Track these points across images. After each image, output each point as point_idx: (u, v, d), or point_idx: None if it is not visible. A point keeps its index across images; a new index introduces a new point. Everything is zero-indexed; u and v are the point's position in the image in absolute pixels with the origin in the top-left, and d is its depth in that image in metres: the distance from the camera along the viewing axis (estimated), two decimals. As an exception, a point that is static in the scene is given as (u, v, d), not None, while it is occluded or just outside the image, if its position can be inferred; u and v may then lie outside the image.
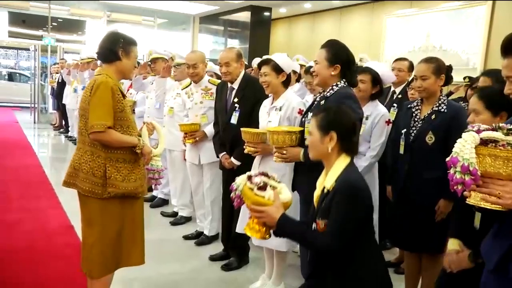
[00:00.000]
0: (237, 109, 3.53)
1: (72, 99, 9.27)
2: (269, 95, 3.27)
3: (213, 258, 3.86)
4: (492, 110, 2.18)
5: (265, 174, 2.10)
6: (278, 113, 3.12)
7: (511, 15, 7.96)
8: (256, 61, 6.42)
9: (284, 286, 3.30)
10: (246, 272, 3.68)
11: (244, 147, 3.16)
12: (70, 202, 5.07)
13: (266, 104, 3.26)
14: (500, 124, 1.49)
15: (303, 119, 2.85)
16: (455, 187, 1.49)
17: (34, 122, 12.70)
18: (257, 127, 3.25)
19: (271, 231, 2.05)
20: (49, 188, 5.86)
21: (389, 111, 3.85)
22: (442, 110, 2.85)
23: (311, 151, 2.12)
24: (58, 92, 10.51)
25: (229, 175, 3.71)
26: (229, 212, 3.69)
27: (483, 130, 1.48)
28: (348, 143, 2.05)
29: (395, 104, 3.97)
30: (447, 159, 1.52)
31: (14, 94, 16.23)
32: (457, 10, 8.82)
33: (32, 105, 13.18)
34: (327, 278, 2.05)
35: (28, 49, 14.74)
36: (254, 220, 2.04)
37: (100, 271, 2.60)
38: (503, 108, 2.16)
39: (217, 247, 4.04)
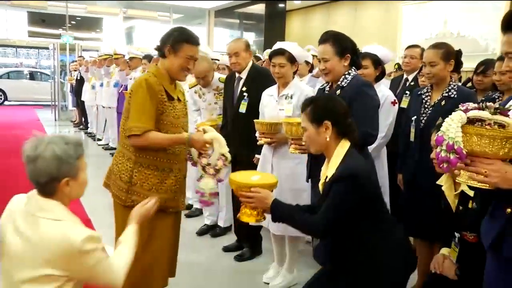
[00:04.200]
0: (245, 98, 3.54)
1: (90, 96, 9.40)
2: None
3: (227, 249, 3.89)
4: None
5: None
6: (290, 101, 3.12)
7: (531, -2, 7.76)
8: (268, 52, 6.41)
9: (296, 273, 3.32)
10: (259, 262, 3.70)
11: (258, 138, 3.16)
12: (89, 197, 5.15)
13: (272, 93, 3.25)
14: (487, 104, 1.48)
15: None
16: (440, 165, 1.50)
17: (55, 120, 12.92)
18: (262, 115, 3.26)
19: (265, 214, 2.16)
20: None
21: (401, 98, 3.83)
22: (452, 95, 2.81)
23: (311, 146, 2.14)
24: (77, 89, 10.66)
25: (236, 169, 3.74)
26: (240, 204, 3.70)
27: (471, 109, 1.47)
28: (344, 127, 2.08)
29: (407, 92, 3.93)
30: (434, 138, 1.52)
31: (36, 92, 16.55)
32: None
33: (53, 103, 13.40)
34: (340, 264, 2.08)
35: (48, 48, 14.97)
36: (246, 205, 2.13)
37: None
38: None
39: (231, 238, 4.07)
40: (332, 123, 2.05)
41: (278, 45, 3.27)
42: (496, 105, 1.48)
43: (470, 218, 2.09)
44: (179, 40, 2.39)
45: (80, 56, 11.52)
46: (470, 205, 2.14)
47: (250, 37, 14.45)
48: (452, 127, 1.46)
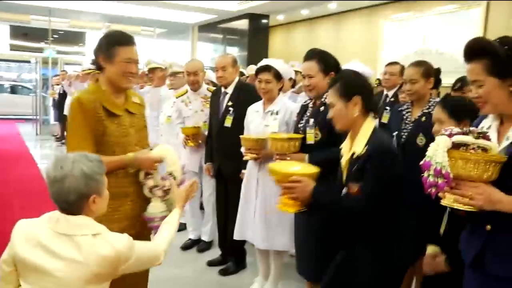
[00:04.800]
0: (231, 112, 3.59)
1: (73, 110, 9.33)
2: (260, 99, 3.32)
3: (211, 263, 3.90)
4: (455, 118, 2.23)
5: None
6: (276, 117, 3.16)
7: (505, 16, 8.01)
8: (251, 68, 6.49)
9: (281, 287, 3.34)
10: (244, 276, 3.72)
11: (244, 153, 3.19)
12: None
13: (258, 109, 3.30)
14: (471, 128, 1.55)
15: (299, 124, 2.88)
16: (428, 190, 1.55)
17: (37, 134, 12.78)
18: (247, 131, 3.30)
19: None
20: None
21: (382, 114, 3.91)
22: (432, 111, 2.88)
23: (338, 122, 2.13)
24: (60, 103, 10.59)
25: (220, 183, 3.78)
26: (225, 218, 3.74)
27: (455, 134, 1.53)
28: (372, 104, 2.13)
29: (387, 107, 4.01)
30: (421, 162, 1.57)
31: (17, 106, 16.32)
32: (452, 13, 8.87)
33: (34, 117, 13.26)
34: (356, 248, 2.11)
35: (30, 62, 14.86)
36: (286, 196, 2.09)
37: None
38: (466, 116, 2.20)
39: (215, 253, 4.07)
40: (361, 99, 2.07)
41: (264, 61, 3.33)
42: (479, 129, 1.56)
43: None
44: (110, 46, 2.19)
45: (63, 70, 11.45)
46: None
47: (234, 52, 14.53)
48: (438, 152, 1.52)
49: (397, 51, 9.76)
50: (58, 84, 10.94)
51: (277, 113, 3.18)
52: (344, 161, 2.17)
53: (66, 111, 9.97)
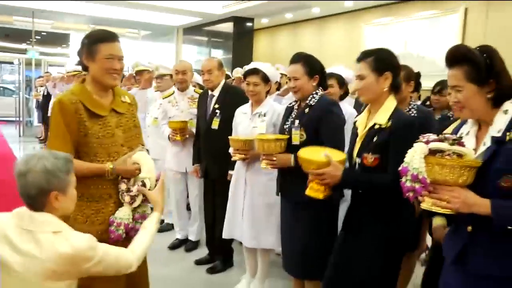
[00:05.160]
0: (218, 114, 3.66)
1: (57, 112, 9.27)
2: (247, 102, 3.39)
3: (199, 262, 3.96)
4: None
5: None
6: (264, 119, 3.24)
7: (482, 22, 8.23)
8: (237, 70, 6.56)
9: (267, 284, 3.43)
10: (231, 274, 3.79)
11: (232, 154, 3.25)
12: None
13: (245, 111, 3.37)
14: (446, 135, 1.64)
15: (285, 126, 2.95)
16: (407, 194, 1.64)
17: (20, 136, 12.65)
18: (236, 132, 3.37)
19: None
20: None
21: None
22: (413, 114, 2.99)
23: (365, 94, 2.22)
24: (44, 105, 10.51)
25: (208, 184, 3.84)
26: (212, 218, 3.81)
27: (432, 141, 1.63)
28: (398, 82, 2.22)
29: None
30: (399, 168, 1.67)
31: (-1, 108, 16.14)
32: (432, 18, 9.07)
33: (17, 119, 13.13)
34: (364, 223, 2.21)
35: (12, 63, 14.70)
36: (315, 182, 2.20)
37: None
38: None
39: (202, 252, 4.14)
40: (392, 76, 2.17)
41: (252, 65, 3.41)
42: (454, 136, 1.65)
43: None
44: (91, 44, 2.16)
45: (46, 72, 11.38)
46: None
47: (218, 54, 14.57)
48: (415, 158, 1.61)
49: (379, 55, 9.94)
50: (42, 86, 10.85)
51: (264, 115, 3.25)
52: (361, 131, 2.25)
53: (49, 113, 9.91)
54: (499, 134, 1.62)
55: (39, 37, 16.24)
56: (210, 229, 3.92)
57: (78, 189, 2.04)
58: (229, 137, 3.26)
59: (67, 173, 1.66)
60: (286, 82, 3.69)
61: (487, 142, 1.65)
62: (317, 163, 2.17)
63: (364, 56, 2.20)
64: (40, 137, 11.91)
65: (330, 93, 3.40)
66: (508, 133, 1.60)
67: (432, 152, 1.61)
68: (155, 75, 4.97)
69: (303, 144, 2.75)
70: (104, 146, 2.17)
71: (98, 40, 2.16)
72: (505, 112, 1.65)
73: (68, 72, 8.73)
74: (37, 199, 1.61)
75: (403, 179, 1.65)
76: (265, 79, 3.28)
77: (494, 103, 1.66)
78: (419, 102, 3.90)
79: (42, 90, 10.78)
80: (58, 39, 17.85)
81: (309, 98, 2.80)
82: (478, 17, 8.34)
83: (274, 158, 2.81)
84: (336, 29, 11.71)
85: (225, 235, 3.41)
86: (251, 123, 3.30)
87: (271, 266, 3.53)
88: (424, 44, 9.19)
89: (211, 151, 3.73)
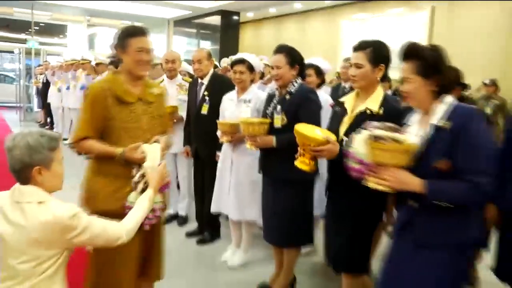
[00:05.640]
0: (207, 101, 3.72)
1: (56, 98, 9.23)
2: (233, 89, 3.47)
3: (189, 234, 4.06)
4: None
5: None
6: (249, 105, 3.31)
7: (448, 19, 8.37)
8: (224, 60, 6.61)
9: (251, 253, 3.56)
10: (218, 245, 3.89)
11: (220, 137, 3.32)
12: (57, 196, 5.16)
13: (232, 97, 3.44)
14: (386, 124, 1.78)
15: (267, 111, 3.04)
16: (351, 174, 1.78)
17: (20, 120, 12.51)
18: (223, 117, 3.45)
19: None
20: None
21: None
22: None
23: (359, 82, 2.25)
24: (43, 91, 10.42)
25: (198, 164, 3.93)
26: (201, 194, 3.90)
27: (374, 128, 1.75)
28: (387, 73, 2.28)
29: (345, 97, 4.23)
30: (345, 149, 1.81)
31: (0, 94, 15.89)
32: (402, 15, 9.19)
33: (18, 105, 12.99)
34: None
35: (12, 52, 14.47)
36: (307, 156, 2.23)
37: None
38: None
39: (190, 226, 4.27)
40: (385, 68, 2.23)
41: (239, 55, 3.49)
42: (392, 125, 1.78)
43: None
44: (123, 38, 2.23)
45: (45, 61, 11.25)
46: None
47: (206, 45, 14.53)
48: (358, 142, 1.75)
49: (355, 47, 10.05)
50: (41, 74, 10.75)
51: (249, 101, 3.32)
52: (349, 114, 2.30)
53: (49, 99, 9.86)
54: (437, 123, 1.75)
55: (37, 28, 15.99)
56: (199, 205, 4.02)
57: (103, 166, 2.20)
58: (217, 121, 3.33)
59: (50, 150, 1.64)
60: (269, 72, 3.77)
61: (428, 129, 1.78)
62: (316, 141, 2.16)
63: (362, 46, 2.22)
64: (40, 122, 11.82)
65: (308, 82, 3.49)
66: (444, 122, 1.73)
67: (375, 138, 1.73)
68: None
69: (284, 127, 2.85)
70: (127, 130, 2.21)
71: (129, 35, 2.22)
72: (444, 103, 1.78)
73: (66, 61, 8.68)
74: (21, 173, 1.61)
75: (349, 161, 1.78)
76: (251, 68, 3.35)
77: (437, 95, 1.79)
78: (389, 92, 4.01)
79: (42, 78, 10.69)
80: (56, 29, 17.60)
81: (289, 86, 2.89)
82: (443, 15, 8.49)
83: (258, 140, 2.90)
84: (317, 23, 11.78)
85: (213, 209, 3.51)
86: (237, 109, 3.38)
87: (254, 238, 3.65)
88: (396, 39, 9.30)
89: (201, 134, 3.80)
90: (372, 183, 1.77)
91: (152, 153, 2.13)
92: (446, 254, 1.77)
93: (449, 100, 1.80)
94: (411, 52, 1.83)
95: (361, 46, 2.27)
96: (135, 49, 2.20)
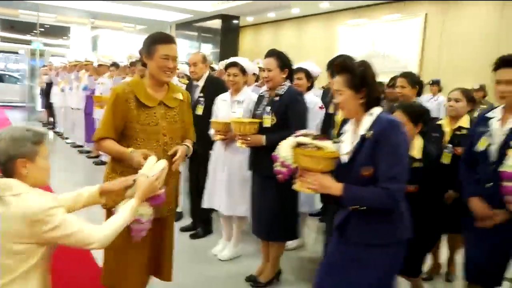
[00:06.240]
0: (202, 102, 3.86)
1: (59, 98, 9.35)
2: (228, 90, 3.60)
3: (183, 229, 4.19)
4: (414, 121, 2.53)
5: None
6: (241, 106, 3.44)
7: (440, 26, 8.51)
8: (222, 63, 6.76)
9: (240, 247, 3.69)
10: (210, 239, 4.03)
11: (213, 135, 3.44)
12: (59, 187, 5.31)
13: (225, 98, 3.56)
14: (309, 132, 1.91)
15: (257, 111, 3.18)
16: (277, 176, 1.90)
17: (24, 120, 12.65)
18: (216, 117, 3.58)
19: None
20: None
21: (328, 105, 4.26)
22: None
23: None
24: (47, 92, 10.56)
25: (193, 163, 4.06)
26: (196, 191, 4.03)
27: (299, 136, 1.89)
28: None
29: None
30: (273, 153, 1.92)
31: (5, 94, 16.04)
32: (397, 21, 9.32)
33: (22, 105, 13.13)
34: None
35: (17, 53, 14.64)
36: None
37: (104, 279, 2.38)
38: (421, 120, 2.55)
39: (184, 221, 4.42)
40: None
41: (232, 59, 3.63)
42: (315, 132, 1.91)
43: (414, 175, 2.38)
44: (150, 44, 2.25)
45: (50, 62, 11.41)
46: (416, 165, 2.49)
47: (207, 48, 14.69)
48: (284, 148, 1.87)
49: (351, 52, 10.08)
50: (45, 74, 10.89)
51: (242, 102, 3.46)
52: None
53: (52, 99, 10.00)
54: (363, 133, 1.86)
55: (42, 29, 16.17)
56: (194, 202, 4.14)
57: (120, 165, 2.22)
58: (211, 120, 3.46)
59: (35, 143, 1.66)
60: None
61: (356, 138, 1.90)
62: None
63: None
64: (43, 121, 11.96)
65: (299, 85, 3.62)
66: (368, 132, 1.84)
67: (299, 145, 1.86)
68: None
69: (273, 126, 2.99)
70: (146, 132, 2.24)
71: (156, 41, 2.24)
72: (371, 115, 1.89)
73: (70, 62, 8.82)
74: (6, 166, 1.63)
75: (275, 165, 1.90)
76: (243, 70, 3.49)
77: (365, 107, 1.90)
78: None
79: (46, 78, 10.83)
80: (60, 31, 17.76)
81: (279, 88, 3.03)
82: (436, 22, 8.63)
83: (249, 138, 3.02)
84: (314, 28, 11.92)
85: (205, 204, 3.64)
86: (230, 109, 3.50)
87: (244, 233, 3.78)
88: (389, 44, 9.46)
89: (196, 134, 3.92)
90: (298, 186, 1.90)
91: (151, 165, 2.02)
92: (376, 252, 1.89)
93: (376, 111, 1.89)
94: (342, 67, 1.92)
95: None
96: (160, 55, 2.22)
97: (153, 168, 1.98)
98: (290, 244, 3.75)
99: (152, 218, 1.98)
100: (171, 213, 2.49)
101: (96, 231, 1.68)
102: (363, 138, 1.87)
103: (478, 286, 2.47)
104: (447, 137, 3.08)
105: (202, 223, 4.12)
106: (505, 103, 2.32)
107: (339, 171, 1.93)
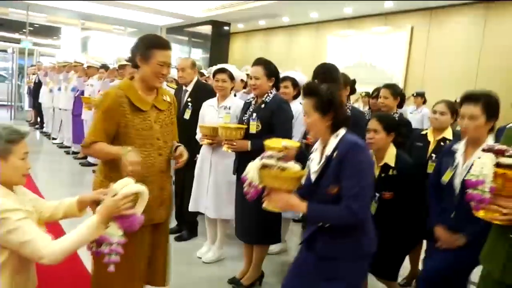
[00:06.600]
0: (189, 106, 3.92)
1: (48, 98, 9.32)
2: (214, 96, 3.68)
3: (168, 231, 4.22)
4: (387, 130, 2.65)
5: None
6: (229, 112, 3.52)
7: (426, 39, 8.72)
8: (212, 69, 6.83)
9: (224, 250, 3.76)
10: (195, 242, 4.07)
11: (201, 139, 3.50)
12: (45, 187, 5.31)
13: (212, 104, 3.63)
14: (273, 154, 1.99)
15: (243, 117, 3.25)
16: (247, 196, 1.99)
17: (11, 119, 12.55)
18: (202, 121, 3.65)
19: None
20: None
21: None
22: (348, 113, 3.33)
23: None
24: (35, 91, 10.51)
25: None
26: (181, 194, 4.07)
27: (264, 158, 1.97)
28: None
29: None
30: (242, 175, 1.99)
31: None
32: (384, 34, 9.50)
33: (9, 103, 13.02)
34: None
35: (6, 51, 14.51)
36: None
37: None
38: (394, 130, 2.67)
39: (172, 223, 4.40)
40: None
41: (220, 65, 3.71)
42: (280, 154, 1.98)
43: (389, 182, 2.62)
44: (148, 48, 2.16)
45: (38, 62, 11.36)
46: (390, 173, 2.65)
47: (198, 53, 14.75)
48: (252, 170, 1.95)
49: (339, 62, 10.31)
50: (34, 74, 10.84)
51: (229, 108, 3.54)
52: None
53: (41, 99, 9.95)
54: (329, 153, 1.96)
55: (31, 28, 16.07)
56: (179, 205, 4.18)
57: (114, 173, 2.08)
58: (200, 125, 3.53)
59: (9, 142, 1.64)
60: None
61: (323, 158, 2.00)
62: (275, 149, 2.18)
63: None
64: (30, 121, 11.88)
65: (285, 93, 3.70)
66: (333, 152, 1.93)
67: (264, 166, 1.94)
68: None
69: (259, 132, 3.07)
70: (141, 137, 2.18)
71: (154, 46, 2.17)
72: (336, 136, 1.98)
73: (58, 63, 8.82)
74: None
75: (244, 185, 1.98)
76: (231, 77, 3.57)
77: (332, 129, 1.99)
78: (355, 104, 4.21)
79: (34, 78, 10.78)
80: (50, 31, 17.65)
81: (265, 96, 3.12)
82: (421, 34, 8.84)
83: (235, 143, 3.10)
84: (304, 37, 12.07)
85: (191, 208, 3.69)
86: (217, 114, 3.57)
87: (229, 236, 3.84)
88: (376, 55, 9.63)
89: (183, 138, 3.96)
90: (266, 205, 1.99)
91: (125, 183, 1.83)
92: (343, 266, 1.98)
93: (341, 132, 1.98)
94: (311, 91, 2.02)
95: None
96: (157, 61, 2.16)
97: (125, 187, 1.81)
98: (273, 248, 3.83)
99: (122, 242, 1.76)
100: (168, 218, 2.46)
101: (47, 246, 1.59)
102: (328, 159, 1.95)
103: None
104: (431, 147, 3.18)
105: (187, 226, 4.16)
106: (467, 138, 2.42)
107: (308, 189, 2.03)
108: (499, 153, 1.47)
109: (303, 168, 2.08)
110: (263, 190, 1.98)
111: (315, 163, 2.03)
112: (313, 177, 2.02)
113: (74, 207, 1.92)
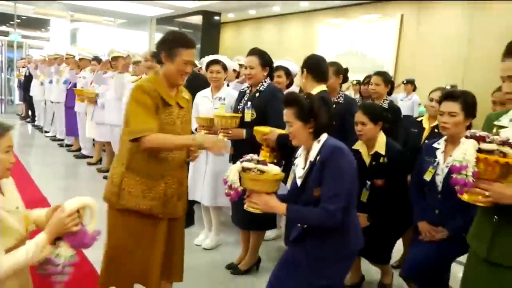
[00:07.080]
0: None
1: (39, 91, 9.27)
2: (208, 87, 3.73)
3: (165, 221, 4.30)
4: (373, 121, 2.74)
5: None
6: (224, 102, 3.57)
7: (415, 27, 8.79)
8: (203, 60, 6.85)
9: (221, 236, 3.85)
10: (192, 230, 4.14)
11: (198, 130, 3.49)
12: (39, 180, 5.35)
13: (206, 95, 3.69)
14: (253, 157, 2.07)
15: (238, 106, 3.31)
16: (228, 196, 2.07)
17: (1, 113, 12.47)
18: (197, 112, 3.70)
19: None
20: (20, 168, 6.01)
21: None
22: (340, 101, 3.41)
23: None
24: (25, 84, 10.44)
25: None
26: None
27: (244, 161, 2.05)
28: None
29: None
30: (224, 177, 2.08)
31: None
32: (374, 22, 9.56)
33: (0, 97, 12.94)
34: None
35: (-7, 44, 14.36)
36: (266, 149, 2.63)
37: (104, 281, 2.25)
38: (381, 119, 2.75)
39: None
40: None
41: (213, 56, 3.75)
42: (259, 158, 2.07)
43: (380, 170, 2.72)
44: (174, 46, 2.18)
45: (28, 54, 11.27)
46: (381, 160, 2.75)
47: (188, 44, 14.66)
48: (232, 172, 2.03)
49: (330, 51, 10.36)
50: (24, 67, 10.76)
51: (224, 99, 3.59)
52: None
53: (31, 92, 9.90)
54: (313, 159, 2.03)
55: (19, 21, 15.88)
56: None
57: (138, 166, 2.17)
58: (196, 116, 3.57)
59: None
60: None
61: (307, 164, 2.08)
62: (262, 132, 2.52)
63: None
64: (21, 114, 11.82)
65: (279, 82, 3.76)
66: (317, 158, 2.01)
67: (243, 169, 2.03)
68: (132, 62, 5.21)
69: (253, 121, 3.13)
70: (166, 131, 2.19)
71: (180, 45, 2.19)
72: (318, 142, 2.06)
73: (49, 56, 8.76)
74: None
75: (225, 188, 2.06)
76: (224, 67, 3.62)
77: (314, 135, 2.07)
78: (347, 92, 4.28)
79: (24, 71, 10.70)
80: (39, 23, 17.45)
81: (260, 85, 3.17)
82: (411, 23, 8.90)
83: (230, 132, 3.15)
84: (294, 26, 12.07)
85: (189, 196, 3.75)
86: (212, 105, 3.63)
87: (224, 223, 3.91)
88: (367, 44, 9.68)
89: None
90: (247, 206, 2.08)
91: (77, 200, 1.75)
92: (330, 264, 2.07)
93: (323, 138, 2.05)
94: (291, 100, 2.09)
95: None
96: (183, 60, 2.18)
97: (68, 203, 1.72)
98: (269, 234, 3.92)
99: (72, 262, 1.70)
100: (184, 213, 2.48)
101: None
102: (312, 163, 2.03)
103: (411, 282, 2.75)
104: (425, 133, 3.26)
105: (184, 214, 4.22)
106: (446, 135, 2.51)
107: (294, 192, 2.12)
108: (480, 139, 1.55)
109: (283, 170, 2.22)
110: (244, 192, 2.07)
111: (300, 168, 2.11)
112: (298, 182, 2.10)
113: (42, 219, 1.83)
